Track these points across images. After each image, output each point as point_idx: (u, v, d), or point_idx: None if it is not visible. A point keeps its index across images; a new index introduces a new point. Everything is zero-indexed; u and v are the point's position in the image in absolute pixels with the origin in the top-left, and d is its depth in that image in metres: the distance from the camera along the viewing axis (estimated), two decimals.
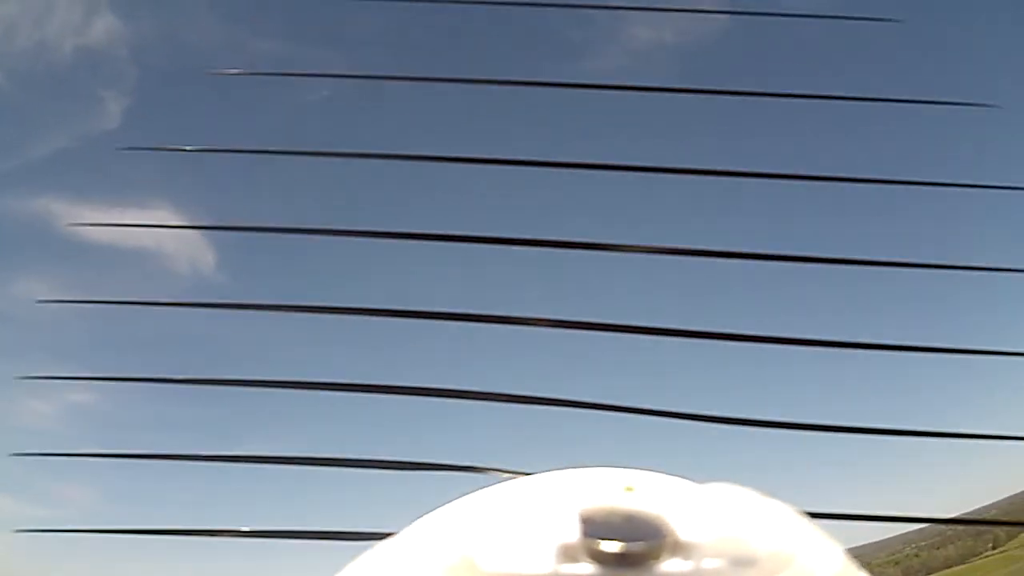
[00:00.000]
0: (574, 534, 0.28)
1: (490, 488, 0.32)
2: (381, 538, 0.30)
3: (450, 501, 0.31)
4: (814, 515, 0.32)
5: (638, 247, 1.70)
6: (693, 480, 0.32)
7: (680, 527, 0.28)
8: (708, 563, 0.27)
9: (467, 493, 0.32)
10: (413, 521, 0.31)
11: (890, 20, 2.53)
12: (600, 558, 0.27)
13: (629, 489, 0.31)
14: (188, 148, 1.91)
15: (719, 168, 2.05)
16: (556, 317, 1.65)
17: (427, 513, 0.31)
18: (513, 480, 0.32)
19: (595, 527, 0.28)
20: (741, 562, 0.28)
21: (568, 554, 0.27)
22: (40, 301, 1.85)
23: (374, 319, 1.68)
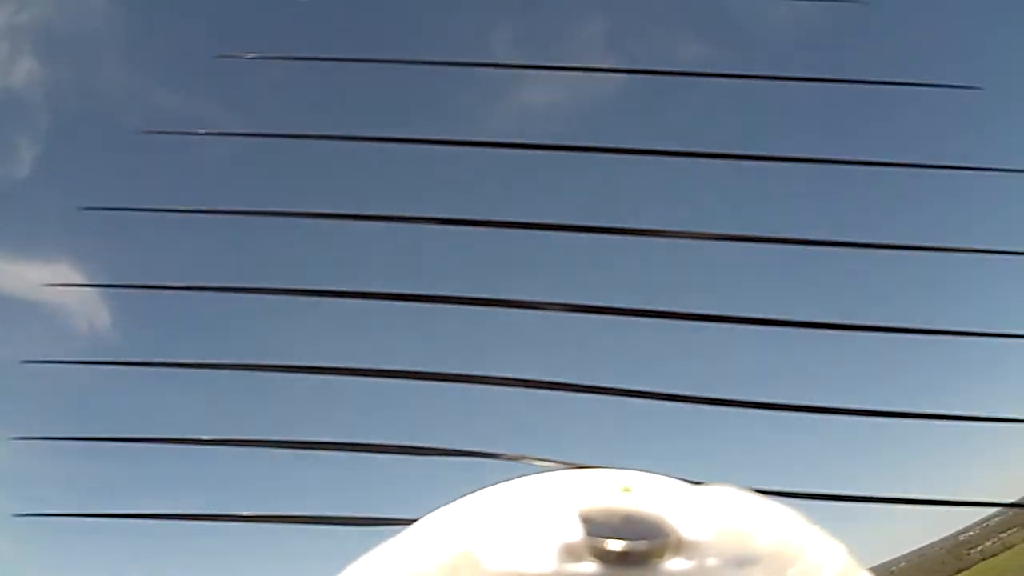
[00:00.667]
0: (577, 533, 0.28)
1: (493, 487, 0.32)
2: (396, 524, 0.31)
3: (470, 489, 0.32)
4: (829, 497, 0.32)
5: (660, 232, 1.72)
6: (693, 480, 0.32)
7: (681, 527, 0.28)
8: (711, 561, 0.27)
9: (488, 480, 0.32)
10: (427, 508, 0.31)
11: (856, 1, 2.54)
12: (603, 557, 0.27)
13: (626, 490, 0.31)
14: (202, 132, 1.87)
15: (709, 151, 2.07)
16: (574, 302, 1.66)
17: (443, 502, 0.31)
18: (515, 479, 0.32)
19: (598, 526, 0.28)
20: (744, 560, 0.28)
21: (571, 553, 0.27)
22: (46, 285, 1.80)
23: (397, 304, 1.67)
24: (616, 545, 0.27)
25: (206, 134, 1.89)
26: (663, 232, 1.92)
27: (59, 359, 1.92)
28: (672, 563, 0.27)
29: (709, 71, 2.43)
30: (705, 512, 0.29)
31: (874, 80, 2.35)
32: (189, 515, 1.78)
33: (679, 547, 0.28)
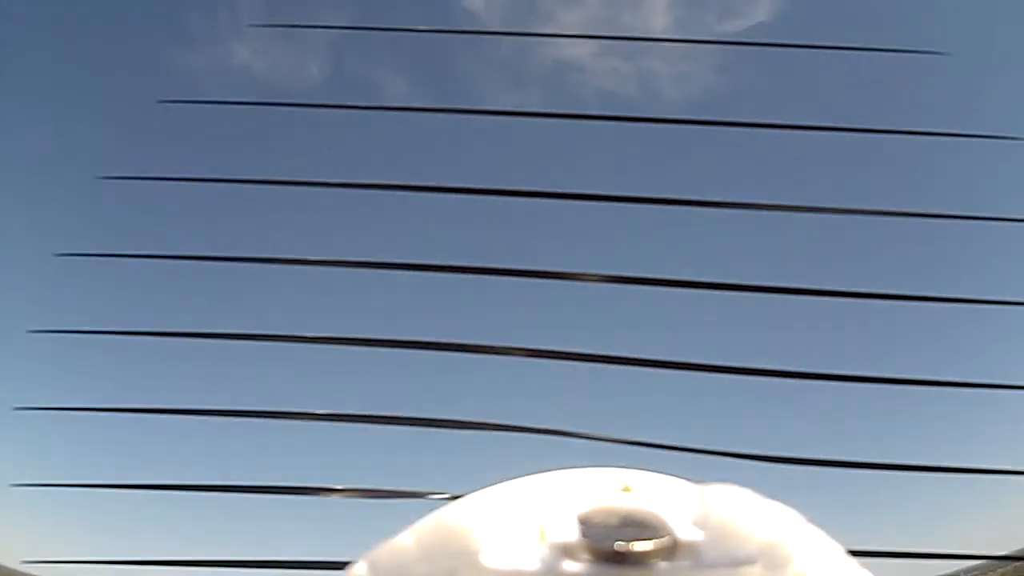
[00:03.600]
0: (574, 533, 0.28)
1: (491, 488, 0.32)
2: (337, 568, 0.30)
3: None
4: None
5: (601, 276, 1.69)
6: (691, 481, 0.32)
7: (679, 526, 0.28)
8: (708, 562, 0.27)
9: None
10: (365, 550, 0.30)
11: (938, 53, 2.49)
12: (600, 557, 0.27)
13: (627, 489, 0.31)
14: (165, 177, 1.91)
15: (700, 199, 2.05)
16: (532, 347, 1.64)
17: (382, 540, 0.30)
18: (515, 480, 0.32)
19: (595, 526, 0.28)
20: (740, 561, 0.27)
21: (568, 553, 0.27)
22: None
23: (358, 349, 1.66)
24: (612, 546, 0.27)
25: (169, 179, 1.92)
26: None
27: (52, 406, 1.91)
28: (668, 564, 0.27)
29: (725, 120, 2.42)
30: (703, 512, 0.29)
31: (924, 131, 2.28)
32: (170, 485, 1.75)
33: (676, 548, 0.27)
